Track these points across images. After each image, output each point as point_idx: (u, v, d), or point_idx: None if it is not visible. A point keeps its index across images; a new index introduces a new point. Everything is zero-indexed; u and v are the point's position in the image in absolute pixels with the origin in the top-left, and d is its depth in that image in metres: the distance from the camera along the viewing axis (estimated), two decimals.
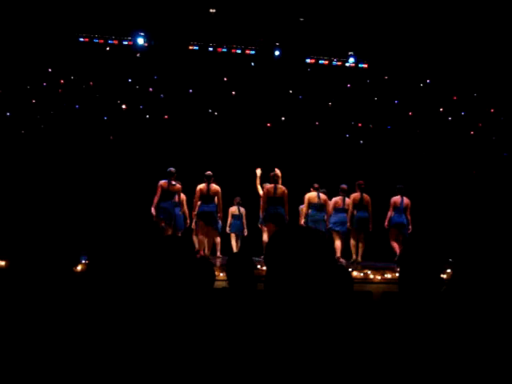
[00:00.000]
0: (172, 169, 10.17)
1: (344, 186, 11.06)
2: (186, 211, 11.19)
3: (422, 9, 10.78)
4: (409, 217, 10.80)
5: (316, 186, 10.98)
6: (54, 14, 11.20)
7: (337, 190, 11.19)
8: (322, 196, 10.78)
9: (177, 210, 10.67)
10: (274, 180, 10.15)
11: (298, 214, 11.60)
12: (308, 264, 1.65)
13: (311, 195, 10.81)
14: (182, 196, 11.03)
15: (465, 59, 12.47)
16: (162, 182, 10.09)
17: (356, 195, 10.84)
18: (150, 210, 9.91)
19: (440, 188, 13.36)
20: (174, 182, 10.20)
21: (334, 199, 11.01)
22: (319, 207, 10.72)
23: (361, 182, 10.92)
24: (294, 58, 13.05)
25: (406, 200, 10.75)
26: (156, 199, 10.01)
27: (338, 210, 10.92)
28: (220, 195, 10.39)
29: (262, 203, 10.43)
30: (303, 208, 10.95)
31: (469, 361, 1.97)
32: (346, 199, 10.96)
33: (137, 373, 1.58)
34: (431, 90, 13.61)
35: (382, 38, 12.08)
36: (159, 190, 10.02)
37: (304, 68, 13.42)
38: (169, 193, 10.10)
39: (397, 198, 10.73)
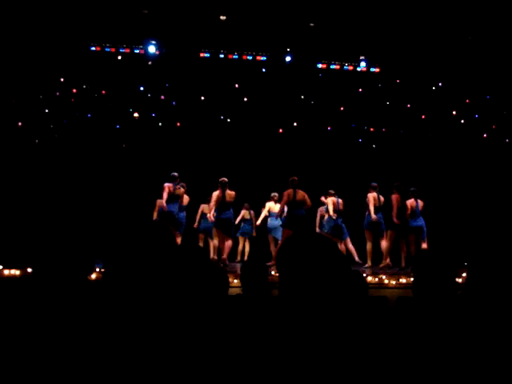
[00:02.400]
0: (175, 173, 10.51)
1: (375, 184, 10.67)
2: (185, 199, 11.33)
3: (433, 12, 10.74)
4: None
5: (332, 192, 10.98)
6: (66, 23, 11.27)
7: (347, 195, 11.15)
8: (340, 201, 10.82)
9: (182, 214, 10.92)
10: (293, 185, 10.16)
11: (315, 217, 11.68)
12: (321, 270, 1.64)
13: (335, 201, 10.83)
14: (186, 198, 11.20)
15: (477, 61, 12.42)
16: (168, 184, 10.43)
17: (411, 202, 10.50)
18: (163, 212, 10.24)
19: (454, 191, 13.28)
20: (178, 186, 10.57)
21: (371, 195, 10.56)
22: (338, 213, 10.71)
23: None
24: (305, 63, 13.06)
25: (420, 202, 10.55)
26: (164, 198, 10.38)
27: (374, 208, 10.50)
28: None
29: (280, 208, 10.52)
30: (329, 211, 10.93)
31: (486, 365, 1.95)
32: (381, 197, 10.62)
33: (152, 380, 1.58)
34: (444, 93, 13.55)
35: (393, 41, 12.05)
36: (166, 190, 10.38)
37: (315, 73, 13.42)
38: (174, 196, 10.47)
39: (412, 201, 10.50)
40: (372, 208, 10.44)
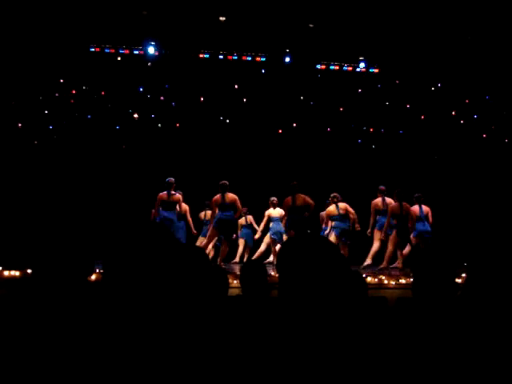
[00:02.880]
0: (171, 179, 10.24)
1: (383, 187, 10.81)
2: (190, 220, 11.22)
3: (432, 13, 10.74)
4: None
5: (334, 195, 10.95)
6: (65, 24, 11.27)
7: (347, 196, 11.14)
8: (341, 205, 10.73)
9: (181, 223, 10.82)
10: (292, 191, 10.14)
11: (318, 220, 11.73)
12: (320, 271, 1.64)
13: (331, 209, 10.79)
14: (185, 206, 10.99)
15: (476, 62, 12.42)
16: (161, 194, 10.21)
17: (415, 208, 10.59)
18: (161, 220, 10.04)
19: (453, 191, 13.28)
20: (173, 192, 10.27)
21: (374, 202, 10.75)
22: (341, 218, 10.69)
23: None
24: (304, 64, 13.07)
25: (425, 208, 10.64)
26: (154, 212, 10.36)
27: (378, 212, 10.70)
28: (238, 203, 10.01)
29: (284, 217, 10.65)
30: (326, 222, 10.97)
31: (485, 366, 1.95)
32: (386, 199, 10.69)
33: (152, 380, 1.58)
34: (443, 93, 13.55)
35: (392, 42, 12.05)
36: (158, 201, 10.21)
37: (315, 74, 13.42)
38: (169, 203, 10.25)
39: (415, 208, 10.55)
40: (372, 216, 10.69)
